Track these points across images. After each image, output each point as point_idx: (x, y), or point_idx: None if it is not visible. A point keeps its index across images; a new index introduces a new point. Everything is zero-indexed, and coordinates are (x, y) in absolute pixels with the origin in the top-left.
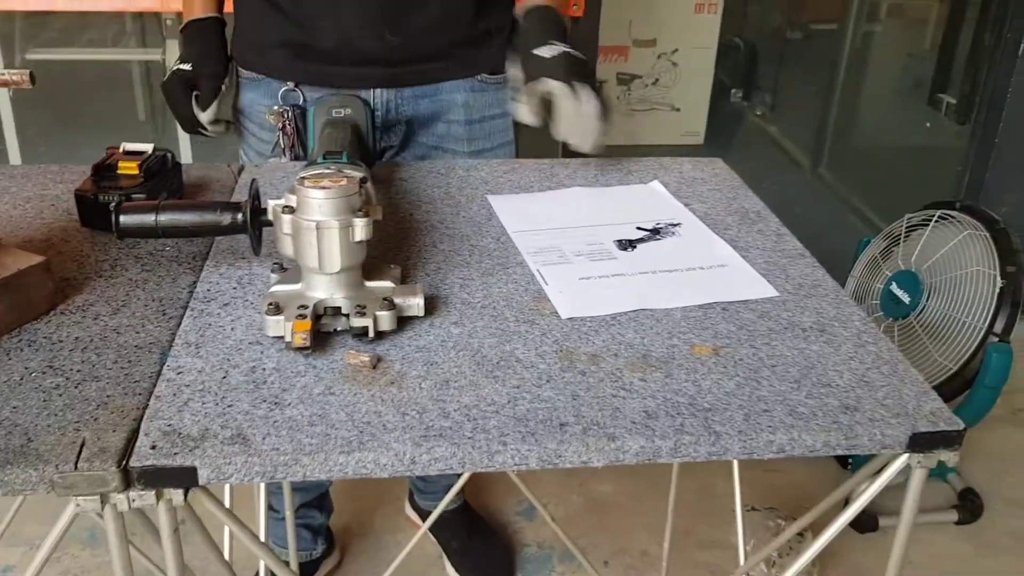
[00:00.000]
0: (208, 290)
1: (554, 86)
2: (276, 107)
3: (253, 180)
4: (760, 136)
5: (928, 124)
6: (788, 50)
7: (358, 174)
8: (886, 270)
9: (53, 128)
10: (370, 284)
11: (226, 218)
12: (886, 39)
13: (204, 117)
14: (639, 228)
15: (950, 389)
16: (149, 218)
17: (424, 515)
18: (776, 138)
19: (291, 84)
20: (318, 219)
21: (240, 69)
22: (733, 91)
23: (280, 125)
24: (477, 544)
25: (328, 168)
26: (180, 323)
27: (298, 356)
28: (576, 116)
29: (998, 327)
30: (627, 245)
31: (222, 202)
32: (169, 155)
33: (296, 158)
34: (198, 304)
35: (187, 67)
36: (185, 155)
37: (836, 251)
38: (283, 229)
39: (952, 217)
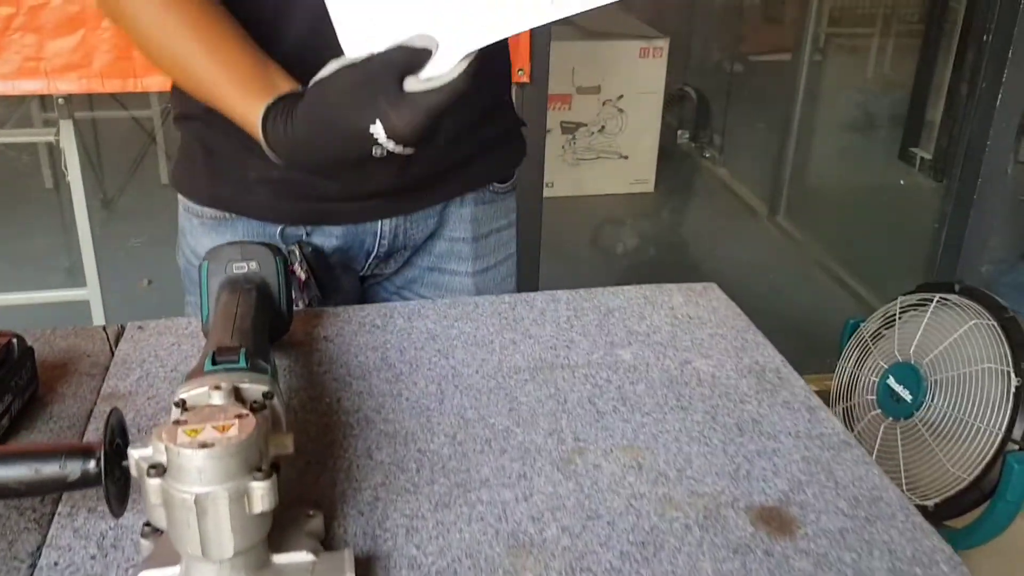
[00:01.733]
0: (56, 563)
1: None
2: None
3: (112, 412)
4: (711, 180)
5: (902, 181)
6: (735, 89)
7: (260, 389)
8: (881, 361)
9: None
10: (279, 560)
11: (73, 470)
12: (841, 77)
13: None
14: None
15: (965, 502)
16: None
17: None
18: (727, 182)
19: (280, 226)
20: (197, 491)
21: (191, 205)
22: (679, 132)
23: (290, 270)
24: None
25: (217, 388)
26: None
27: None
28: None
29: (1017, 433)
30: None
31: (68, 445)
32: (15, 340)
33: (311, 303)
34: None
35: None
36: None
37: (808, 315)
38: (151, 498)
39: (950, 301)
